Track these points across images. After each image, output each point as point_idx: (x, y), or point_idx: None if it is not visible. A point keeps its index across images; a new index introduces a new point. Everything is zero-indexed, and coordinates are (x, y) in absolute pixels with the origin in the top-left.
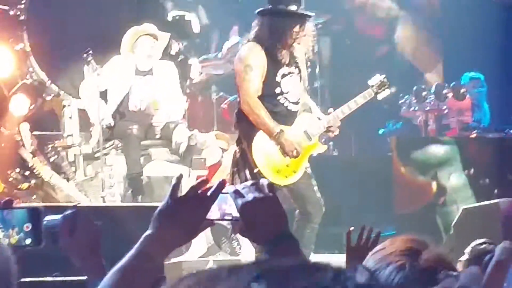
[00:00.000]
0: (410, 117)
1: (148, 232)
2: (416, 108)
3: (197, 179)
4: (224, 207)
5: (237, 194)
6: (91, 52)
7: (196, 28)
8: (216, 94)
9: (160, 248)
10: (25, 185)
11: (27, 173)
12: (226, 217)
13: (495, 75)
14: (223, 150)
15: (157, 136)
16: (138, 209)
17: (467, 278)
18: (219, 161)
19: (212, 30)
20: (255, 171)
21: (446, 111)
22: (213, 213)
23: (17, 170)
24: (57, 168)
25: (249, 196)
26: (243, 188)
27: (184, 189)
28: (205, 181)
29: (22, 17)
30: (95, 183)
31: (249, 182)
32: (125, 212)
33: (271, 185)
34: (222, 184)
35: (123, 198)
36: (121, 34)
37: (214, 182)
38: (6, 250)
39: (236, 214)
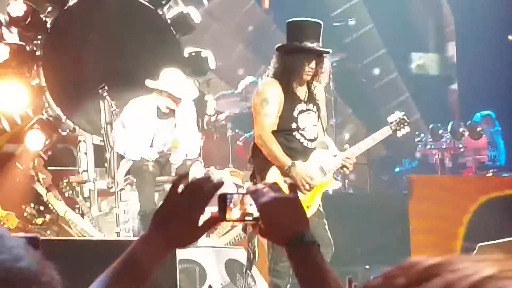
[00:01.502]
0: (426, 155)
1: (141, 233)
2: (433, 146)
3: (211, 215)
4: (245, 207)
5: (257, 193)
6: (106, 87)
7: (212, 64)
8: (231, 131)
9: (152, 250)
10: (39, 220)
11: (41, 208)
12: (246, 218)
13: (510, 114)
14: (238, 186)
15: (174, 174)
16: None
17: None
18: None
19: (229, 67)
20: None
21: (462, 149)
22: (234, 214)
23: (32, 205)
24: (71, 203)
25: (270, 196)
26: (264, 188)
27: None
28: (185, 176)
29: (38, 53)
30: (109, 218)
31: (270, 182)
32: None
33: (292, 186)
34: (220, 184)
35: (137, 233)
36: (137, 70)
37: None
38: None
39: (256, 214)
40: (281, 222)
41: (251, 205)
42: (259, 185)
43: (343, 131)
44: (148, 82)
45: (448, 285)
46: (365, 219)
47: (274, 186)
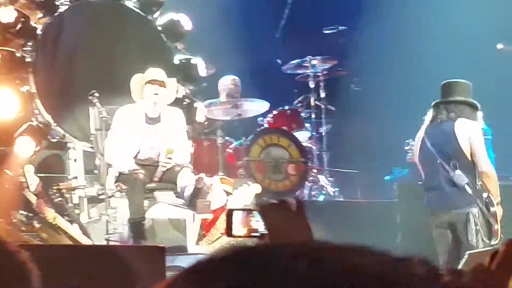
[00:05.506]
0: (416, 163)
1: None
2: None
3: (201, 223)
4: (251, 224)
5: (265, 210)
6: (96, 94)
7: (202, 72)
8: (221, 138)
9: None
10: (29, 227)
11: (31, 214)
12: (253, 234)
13: (501, 124)
14: (228, 193)
15: (157, 179)
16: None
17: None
18: (224, 205)
19: (219, 74)
20: None
21: None
22: (240, 230)
23: (21, 211)
24: (61, 210)
25: (277, 213)
26: (272, 205)
27: (188, 232)
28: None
29: (28, 59)
30: (99, 225)
31: (278, 199)
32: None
33: (300, 203)
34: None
35: (126, 240)
36: (127, 76)
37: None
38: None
39: (262, 230)
40: (287, 239)
41: (257, 221)
42: (267, 202)
43: (333, 139)
44: (133, 83)
45: None
46: (355, 226)
47: (282, 204)
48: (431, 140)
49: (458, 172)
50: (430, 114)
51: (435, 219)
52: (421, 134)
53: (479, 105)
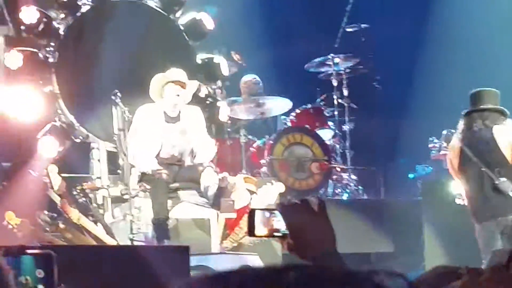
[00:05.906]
0: (440, 161)
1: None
2: (447, 152)
3: (225, 222)
4: (273, 223)
5: (287, 210)
6: (119, 94)
7: (225, 71)
8: (244, 137)
9: None
10: (53, 227)
11: (55, 215)
12: (275, 233)
13: None
14: (251, 192)
15: (185, 178)
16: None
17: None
18: (248, 204)
19: (242, 73)
20: None
21: None
22: (262, 229)
23: (46, 212)
24: (85, 210)
25: (299, 213)
26: (293, 205)
27: (212, 232)
28: None
29: (51, 60)
30: (123, 225)
31: (299, 199)
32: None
33: (322, 203)
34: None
35: (150, 240)
36: (150, 76)
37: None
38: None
39: (284, 230)
40: (310, 239)
41: (279, 221)
42: (289, 202)
43: (356, 137)
44: (153, 83)
45: None
46: (379, 225)
47: (304, 203)
48: (471, 149)
49: (503, 179)
50: (462, 123)
51: (482, 227)
52: (455, 143)
53: (508, 112)
